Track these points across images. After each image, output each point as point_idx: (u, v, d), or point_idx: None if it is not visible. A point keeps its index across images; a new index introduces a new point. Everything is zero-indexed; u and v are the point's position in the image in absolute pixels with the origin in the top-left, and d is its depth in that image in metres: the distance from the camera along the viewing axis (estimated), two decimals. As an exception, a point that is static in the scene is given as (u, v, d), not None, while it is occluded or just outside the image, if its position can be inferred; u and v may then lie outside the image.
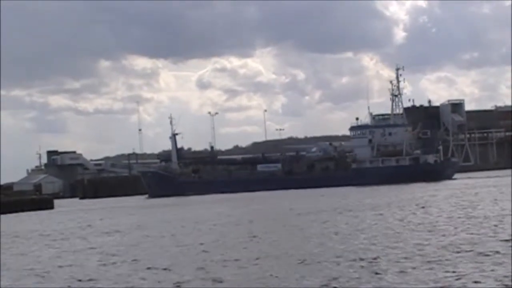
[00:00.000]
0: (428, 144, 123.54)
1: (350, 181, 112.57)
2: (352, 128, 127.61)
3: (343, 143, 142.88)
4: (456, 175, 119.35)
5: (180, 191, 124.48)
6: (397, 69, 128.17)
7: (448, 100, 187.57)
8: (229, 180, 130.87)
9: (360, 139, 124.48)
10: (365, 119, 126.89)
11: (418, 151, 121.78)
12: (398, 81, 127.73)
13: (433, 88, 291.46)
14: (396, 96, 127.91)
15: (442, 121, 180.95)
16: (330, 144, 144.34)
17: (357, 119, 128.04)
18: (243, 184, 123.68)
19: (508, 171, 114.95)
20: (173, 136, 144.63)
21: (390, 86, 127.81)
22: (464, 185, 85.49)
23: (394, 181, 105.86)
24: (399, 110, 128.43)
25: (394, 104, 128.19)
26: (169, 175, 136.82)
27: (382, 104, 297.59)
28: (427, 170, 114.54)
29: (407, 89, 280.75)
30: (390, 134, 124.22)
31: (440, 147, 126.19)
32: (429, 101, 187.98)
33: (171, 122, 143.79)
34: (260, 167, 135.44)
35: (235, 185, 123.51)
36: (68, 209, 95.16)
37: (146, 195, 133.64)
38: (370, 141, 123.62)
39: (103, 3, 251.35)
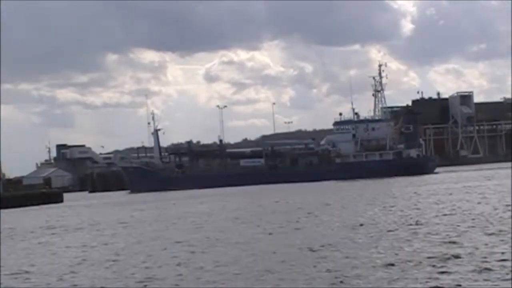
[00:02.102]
0: (410, 138, 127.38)
1: (334, 175, 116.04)
2: (335, 123, 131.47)
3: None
4: (436, 169, 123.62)
5: (163, 187, 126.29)
6: (380, 66, 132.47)
7: (457, 92, 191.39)
8: (212, 175, 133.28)
9: (343, 134, 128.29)
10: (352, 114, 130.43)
11: (402, 146, 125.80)
12: (381, 77, 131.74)
13: (441, 80, 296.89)
14: (378, 91, 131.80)
15: (451, 113, 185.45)
16: (313, 139, 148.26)
17: (340, 114, 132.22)
18: (226, 179, 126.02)
19: (492, 165, 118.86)
20: (155, 131, 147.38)
21: (373, 82, 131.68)
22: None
23: (377, 175, 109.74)
24: (381, 106, 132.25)
25: (376, 99, 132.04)
26: (151, 170, 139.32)
27: (388, 97, 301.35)
28: (409, 164, 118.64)
29: (415, 81, 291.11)
30: (373, 129, 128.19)
31: (422, 142, 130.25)
32: (438, 93, 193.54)
33: (153, 118, 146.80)
34: (243, 162, 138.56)
35: (218, 180, 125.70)
36: (75, 203, 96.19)
37: (128, 191, 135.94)
38: (353, 136, 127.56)
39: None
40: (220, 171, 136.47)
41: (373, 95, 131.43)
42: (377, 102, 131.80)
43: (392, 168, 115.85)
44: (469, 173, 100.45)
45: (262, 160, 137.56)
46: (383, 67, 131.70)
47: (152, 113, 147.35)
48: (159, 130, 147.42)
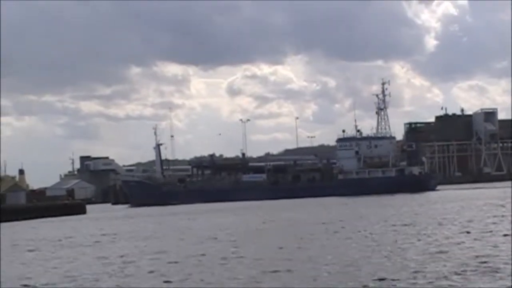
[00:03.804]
0: (412, 156, 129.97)
1: (337, 191, 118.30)
2: (338, 140, 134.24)
3: None
4: (438, 187, 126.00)
5: (164, 201, 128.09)
6: (383, 84, 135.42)
7: (481, 109, 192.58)
8: (214, 189, 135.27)
9: (346, 150, 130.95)
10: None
11: (404, 163, 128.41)
12: (384, 95, 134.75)
13: (464, 97, 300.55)
14: (381, 109, 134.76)
15: (475, 130, 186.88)
16: (316, 155, 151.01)
17: (343, 131, 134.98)
18: (227, 194, 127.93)
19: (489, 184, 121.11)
20: (157, 146, 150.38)
21: (376, 100, 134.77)
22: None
23: (379, 191, 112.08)
24: (385, 123, 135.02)
25: (379, 117, 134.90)
26: (153, 184, 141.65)
27: (412, 113, 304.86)
28: (412, 181, 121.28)
29: (439, 97, 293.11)
30: (376, 146, 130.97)
31: (424, 159, 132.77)
32: (462, 110, 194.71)
33: (155, 133, 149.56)
34: (245, 177, 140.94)
35: (219, 195, 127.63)
36: (97, 215, 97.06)
37: (128, 205, 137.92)
38: (356, 152, 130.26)
39: (134, 10, 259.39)
40: (221, 186, 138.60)
41: (376, 113, 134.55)
42: (380, 120, 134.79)
43: (395, 185, 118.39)
44: (472, 191, 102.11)
45: (264, 176, 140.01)
46: (386, 85, 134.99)
47: (155, 128, 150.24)
48: (161, 144, 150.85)
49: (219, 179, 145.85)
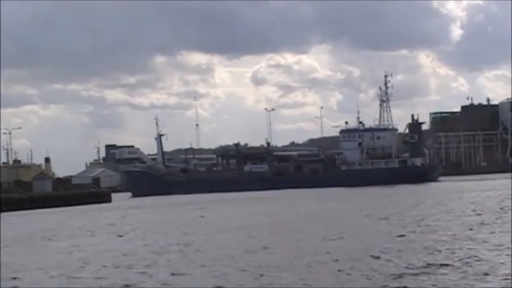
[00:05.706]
0: (414, 147, 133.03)
1: (340, 182, 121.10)
2: (342, 131, 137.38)
3: None
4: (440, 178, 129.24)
5: (166, 191, 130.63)
6: (385, 76, 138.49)
7: (507, 99, 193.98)
8: (216, 179, 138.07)
9: (350, 142, 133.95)
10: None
11: (407, 154, 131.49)
12: (387, 87, 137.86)
13: (491, 86, 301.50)
14: (384, 101, 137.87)
15: (501, 120, 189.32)
16: (319, 147, 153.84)
17: (346, 123, 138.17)
18: (230, 184, 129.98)
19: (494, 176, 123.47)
20: (159, 137, 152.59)
21: (380, 89, 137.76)
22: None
23: (382, 182, 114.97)
24: (387, 115, 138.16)
25: (382, 109, 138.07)
26: (155, 175, 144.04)
27: (437, 102, 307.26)
28: (414, 173, 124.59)
29: (464, 87, 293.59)
30: (378, 138, 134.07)
31: (426, 151, 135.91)
32: (488, 99, 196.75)
33: (156, 124, 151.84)
34: (247, 167, 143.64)
35: (221, 185, 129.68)
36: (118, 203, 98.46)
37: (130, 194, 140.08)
38: (359, 144, 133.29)
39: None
40: (224, 176, 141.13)
41: (379, 105, 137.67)
42: (382, 112, 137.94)
43: (397, 176, 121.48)
44: (477, 183, 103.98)
45: (266, 166, 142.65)
46: (389, 78, 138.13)
47: (156, 119, 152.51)
48: (162, 135, 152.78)
49: (223, 169, 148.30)
